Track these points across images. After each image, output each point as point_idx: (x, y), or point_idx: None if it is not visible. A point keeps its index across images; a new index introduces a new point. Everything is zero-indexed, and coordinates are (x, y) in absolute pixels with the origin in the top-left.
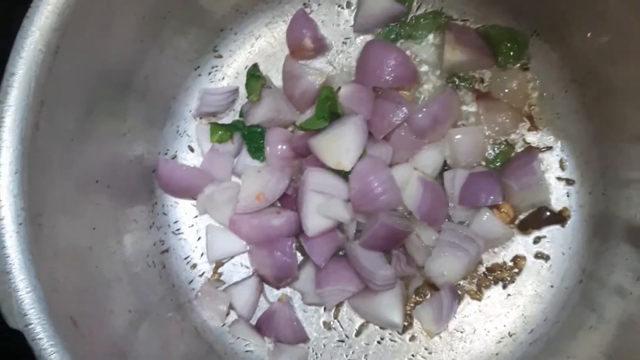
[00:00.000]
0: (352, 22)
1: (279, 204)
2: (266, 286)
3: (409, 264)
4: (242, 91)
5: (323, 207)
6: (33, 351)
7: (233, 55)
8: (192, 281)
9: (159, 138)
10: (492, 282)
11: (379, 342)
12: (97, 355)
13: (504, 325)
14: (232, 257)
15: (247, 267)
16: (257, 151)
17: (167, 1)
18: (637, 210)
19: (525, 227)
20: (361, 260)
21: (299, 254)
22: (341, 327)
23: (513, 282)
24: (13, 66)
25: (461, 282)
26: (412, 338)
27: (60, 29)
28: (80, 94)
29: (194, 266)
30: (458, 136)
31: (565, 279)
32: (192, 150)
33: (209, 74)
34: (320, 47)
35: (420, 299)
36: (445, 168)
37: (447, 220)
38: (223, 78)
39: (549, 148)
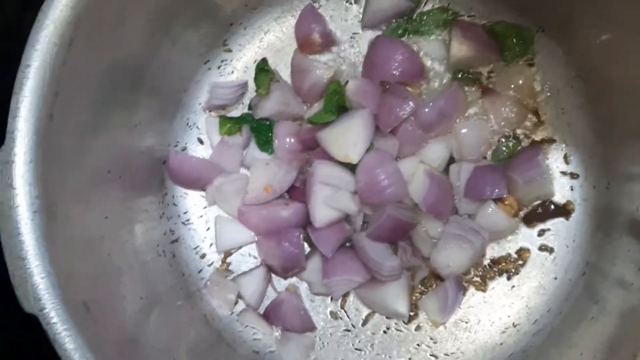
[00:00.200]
0: (360, 17)
1: (287, 196)
2: (274, 276)
3: (414, 255)
4: (251, 85)
5: (330, 198)
6: (47, 335)
7: (242, 50)
8: (201, 270)
9: (169, 130)
10: (497, 273)
11: (384, 332)
12: (109, 340)
13: (508, 316)
14: (240, 248)
15: (255, 257)
16: (265, 144)
17: None
18: (639, 203)
19: (529, 220)
20: (368, 251)
21: (306, 245)
22: (348, 316)
23: (517, 273)
24: (28, 58)
25: (466, 274)
26: (418, 328)
27: (74, 22)
28: (94, 86)
29: (203, 256)
30: (464, 130)
31: (569, 271)
32: (201, 142)
33: (219, 67)
34: (329, 42)
35: (426, 290)
36: (452, 161)
37: (452, 212)
38: (232, 72)
39: (554, 142)
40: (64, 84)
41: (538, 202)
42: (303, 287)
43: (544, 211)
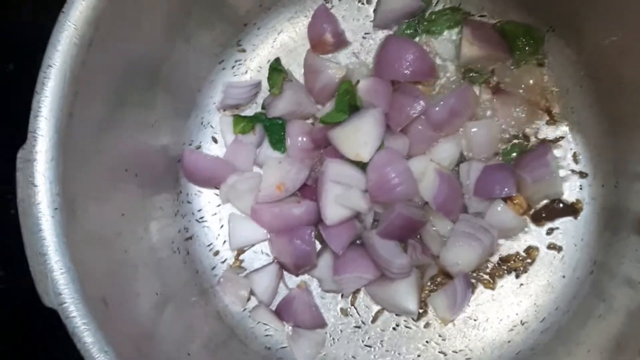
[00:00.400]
0: (372, 17)
1: (299, 194)
2: (285, 273)
3: (424, 253)
4: (265, 84)
5: (342, 197)
6: (66, 328)
7: (256, 50)
8: (214, 267)
9: (184, 129)
10: (506, 271)
11: (394, 329)
12: (126, 334)
13: (517, 314)
14: (253, 245)
15: (268, 255)
16: (278, 142)
17: None
18: None
19: (538, 218)
20: (378, 248)
21: (317, 243)
22: (358, 313)
23: (526, 272)
24: (50, 58)
25: (475, 272)
26: (427, 325)
27: (94, 23)
28: (112, 85)
29: (217, 253)
30: (474, 129)
31: (577, 269)
32: (215, 141)
33: (233, 67)
34: (341, 42)
35: (435, 287)
36: (461, 160)
37: (462, 211)
38: (246, 72)
39: (563, 141)
40: (83, 83)
41: (547, 200)
42: (314, 284)
43: (552, 210)
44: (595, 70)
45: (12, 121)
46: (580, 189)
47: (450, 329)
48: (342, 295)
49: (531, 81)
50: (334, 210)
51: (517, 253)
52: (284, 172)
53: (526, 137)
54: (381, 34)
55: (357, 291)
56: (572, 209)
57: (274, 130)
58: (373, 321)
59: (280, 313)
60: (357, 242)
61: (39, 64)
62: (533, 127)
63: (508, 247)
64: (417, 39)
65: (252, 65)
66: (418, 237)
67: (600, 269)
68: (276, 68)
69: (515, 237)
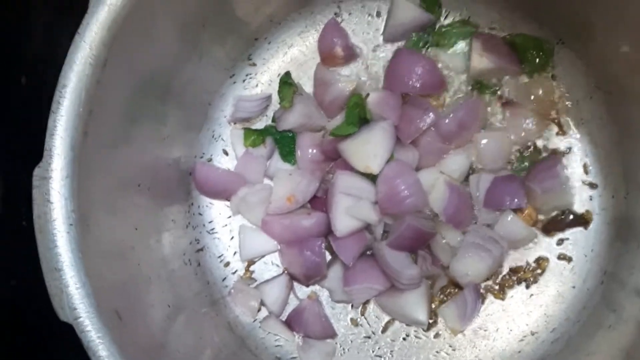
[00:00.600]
0: (381, 31)
1: (309, 206)
2: (296, 284)
3: (434, 264)
4: (275, 98)
5: (352, 208)
6: (82, 342)
7: (266, 64)
8: (225, 278)
9: (196, 142)
10: (516, 282)
11: (404, 339)
12: (139, 346)
13: (527, 324)
14: (263, 256)
15: (278, 266)
16: (288, 155)
17: (206, 13)
18: None
19: (548, 229)
20: (388, 259)
21: (327, 254)
22: (368, 323)
23: (536, 282)
24: (65, 78)
25: (485, 282)
26: (437, 335)
27: (108, 43)
28: (125, 102)
29: (228, 264)
30: (484, 141)
31: (587, 280)
32: (226, 153)
33: (244, 81)
34: (351, 55)
35: (445, 298)
36: (471, 172)
37: (472, 222)
38: (257, 85)
39: (573, 152)
40: (98, 102)
41: (557, 211)
42: (324, 295)
43: (562, 220)
44: (605, 82)
45: (24, 133)
46: (591, 199)
47: (460, 339)
48: (352, 306)
49: (541, 93)
50: (344, 221)
51: (527, 263)
52: (294, 184)
53: (536, 149)
54: (391, 47)
55: (367, 301)
56: (582, 220)
57: (285, 143)
58: (383, 331)
59: (291, 323)
60: (367, 253)
61: (51, 78)
62: (543, 139)
63: (518, 257)
64: (426, 52)
65: (262, 78)
66: (428, 248)
67: (610, 280)
68: (286, 81)
69: (525, 247)
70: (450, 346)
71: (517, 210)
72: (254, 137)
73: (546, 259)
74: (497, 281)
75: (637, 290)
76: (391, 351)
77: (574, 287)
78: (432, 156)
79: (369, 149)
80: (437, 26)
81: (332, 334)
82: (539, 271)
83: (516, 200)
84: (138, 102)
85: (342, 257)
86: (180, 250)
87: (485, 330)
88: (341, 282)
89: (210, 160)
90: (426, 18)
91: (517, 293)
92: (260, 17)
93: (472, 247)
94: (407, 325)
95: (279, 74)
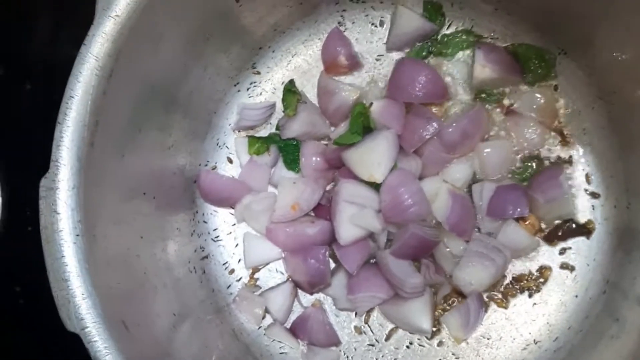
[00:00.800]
0: (385, 40)
1: (313, 214)
2: (300, 291)
3: (437, 272)
4: (279, 106)
5: (355, 217)
6: (89, 352)
7: (270, 72)
8: (230, 286)
9: (200, 150)
10: (519, 291)
11: (407, 347)
12: (146, 356)
13: (530, 333)
14: (268, 264)
15: (282, 273)
16: (292, 163)
17: (211, 24)
18: None
19: (551, 238)
20: (391, 268)
21: (331, 262)
22: (372, 331)
23: (539, 291)
24: (71, 89)
25: (488, 291)
26: (440, 343)
27: (114, 54)
28: (131, 113)
29: (232, 272)
30: (487, 150)
31: (590, 289)
32: (231, 161)
33: (248, 89)
34: (354, 64)
35: (448, 306)
36: (474, 181)
37: (475, 231)
38: (261, 93)
39: (575, 162)
40: (104, 112)
41: (559, 221)
42: (328, 303)
43: (565, 230)
44: (607, 92)
45: (28, 138)
46: (593, 209)
47: (464, 348)
48: (356, 314)
49: (543, 103)
50: (348, 230)
51: (530, 272)
52: (298, 192)
53: (538, 158)
54: (394, 56)
55: (371, 310)
56: (584, 229)
57: (289, 151)
58: (387, 339)
59: (295, 331)
60: (371, 261)
61: (56, 83)
62: (545, 148)
63: (521, 266)
64: (429, 61)
65: (266, 87)
66: (431, 256)
67: (612, 289)
68: (290, 90)
69: (528, 256)
70: (454, 354)
71: (520, 219)
72: (258, 145)
73: (549, 268)
74: (500, 290)
75: None
76: (395, 359)
77: (576, 296)
78: (435, 165)
79: (373, 157)
80: (439, 35)
81: (336, 342)
82: (541, 280)
83: (519, 209)
84: (143, 112)
85: (346, 266)
86: (186, 258)
87: (488, 339)
88: (345, 290)
89: (214, 168)
90: (429, 27)
91: (520, 302)
92: (264, 26)
93: (475, 255)
94: (410, 333)
95: (283, 82)
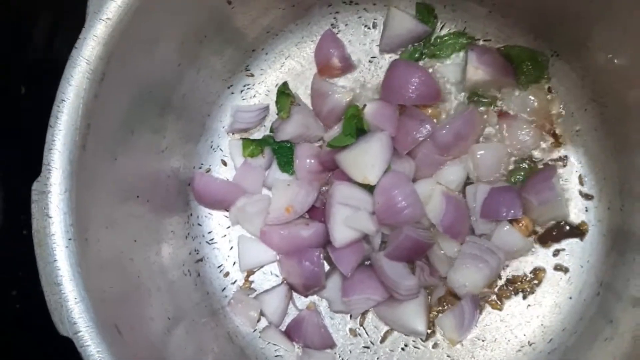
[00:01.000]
0: (378, 42)
1: (307, 216)
2: (295, 294)
3: (432, 274)
4: (273, 108)
5: (350, 219)
6: (82, 357)
7: (264, 74)
8: (224, 289)
9: (194, 153)
10: (513, 292)
11: (402, 349)
12: (138, 359)
13: (524, 335)
14: (262, 266)
15: (277, 276)
16: (286, 165)
17: (205, 26)
18: None
19: (545, 240)
20: (386, 270)
21: (326, 264)
22: (367, 333)
23: (533, 293)
24: (63, 93)
25: (482, 293)
26: (435, 345)
27: (106, 57)
28: (123, 116)
29: (227, 274)
30: (481, 152)
31: (583, 291)
32: (225, 164)
33: (241, 92)
34: (347, 66)
35: (443, 309)
36: (468, 183)
37: (469, 233)
38: (254, 96)
39: (569, 163)
40: (96, 115)
41: (553, 222)
42: (323, 305)
43: (558, 231)
44: (599, 94)
45: (24, 142)
46: (586, 211)
47: (459, 350)
48: (350, 316)
49: (536, 105)
50: (342, 232)
51: (524, 274)
52: (292, 194)
53: (532, 160)
54: (387, 58)
55: (365, 312)
56: (578, 231)
57: (283, 153)
58: (382, 341)
59: (290, 334)
60: (366, 263)
61: (52, 87)
62: (539, 150)
63: (515, 268)
64: (422, 63)
65: (260, 89)
66: (426, 258)
67: (606, 291)
68: (284, 92)
69: (522, 258)
70: (449, 356)
71: (514, 221)
72: (252, 147)
73: (543, 270)
74: (494, 292)
75: (633, 302)
76: None
77: (570, 298)
78: (428, 167)
79: (367, 159)
80: (432, 37)
81: (331, 344)
82: (535, 282)
83: (512, 211)
84: (136, 115)
85: (341, 268)
86: (180, 261)
87: (483, 341)
88: (340, 293)
89: (209, 170)
90: (422, 29)
91: (515, 304)
92: (257, 28)
93: (469, 257)
94: (405, 335)
95: (276, 85)
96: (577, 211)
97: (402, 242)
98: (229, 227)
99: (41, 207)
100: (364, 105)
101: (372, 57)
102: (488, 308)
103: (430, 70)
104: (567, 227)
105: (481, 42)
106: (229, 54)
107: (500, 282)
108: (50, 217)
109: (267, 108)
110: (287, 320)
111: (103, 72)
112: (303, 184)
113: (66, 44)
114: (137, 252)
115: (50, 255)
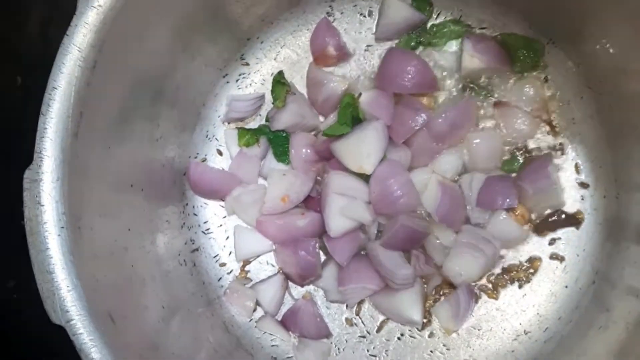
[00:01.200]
0: (373, 30)
1: (303, 206)
2: (291, 284)
3: (427, 263)
4: (268, 97)
5: (345, 208)
6: (74, 345)
7: (259, 63)
8: (220, 278)
9: (190, 142)
10: (509, 281)
11: (399, 338)
12: (132, 349)
13: (520, 324)
14: (258, 256)
15: (273, 266)
16: (282, 154)
17: (198, 14)
18: None
19: (540, 229)
20: (382, 259)
21: (322, 254)
22: (363, 323)
23: (529, 282)
24: (55, 81)
25: (478, 282)
26: (431, 334)
27: (98, 45)
28: (116, 104)
29: (223, 264)
30: (476, 141)
31: (579, 279)
32: (220, 153)
33: (237, 81)
34: (343, 55)
35: (439, 298)
36: (464, 172)
37: (465, 222)
38: (250, 85)
39: (565, 152)
40: (88, 103)
41: (549, 211)
42: (319, 295)
43: (554, 220)
44: (595, 82)
45: (21, 133)
46: (582, 199)
47: (455, 339)
48: (347, 306)
49: (532, 93)
50: (338, 221)
51: (520, 263)
52: (288, 184)
53: (527, 149)
54: (383, 46)
55: (361, 301)
56: (574, 220)
57: (278, 143)
58: (378, 331)
59: (286, 323)
60: (362, 253)
61: (47, 79)
62: (534, 139)
63: (511, 257)
64: (418, 51)
65: (255, 78)
66: (422, 247)
67: (602, 280)
68: (279, 81)
69: (518, 247)
70: (445, 345)
71: (510, 210)
72: (247, 136)
73: (539, 259)
74: (490, 281)
75: (629, 291)
76: (386, 350)
77: (566, 286)
78: (424, 156)
79: (362, 148)
80: (428, 26)
81: (327, 334)
82: (531, 271)
83: (508, 200)
84: (130, 103)
85: (337, 257)
86: (175, 251)
87: (479, 330)
88: (336, 282)
89: (204, 160)
90: (417, 17)
91: (510, 293)
92: (251, 16)
93: (465, 246)
94: (401, 324)
95: (271, 74)
96: (572, 200)
97: (398, 231)
98: (224, 216)
99: (33, 195)
100: (360, 94)
101: (367, 46)
102: (484, 297)
103: (426, 58)
104: (563, 216)
105: (477, 30)
106: (224, 43)
107: (496, 271)
108: (42, 205)
109: (262, 97)
110: (283, 309)
111: (95, 60)
112: (299, 173)
113: (62, 35)
114: (132, 241)
115: (43, 243)
